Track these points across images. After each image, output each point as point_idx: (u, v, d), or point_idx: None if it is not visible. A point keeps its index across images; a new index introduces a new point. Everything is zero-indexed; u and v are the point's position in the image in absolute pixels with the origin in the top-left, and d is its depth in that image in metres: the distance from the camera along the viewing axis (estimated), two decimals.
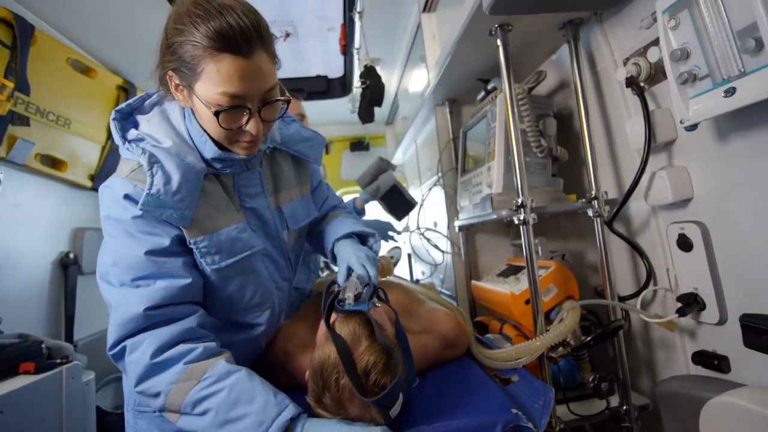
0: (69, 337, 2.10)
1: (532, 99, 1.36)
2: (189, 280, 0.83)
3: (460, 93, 1.81)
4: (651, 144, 1.05)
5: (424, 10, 1.81)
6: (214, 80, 0.74)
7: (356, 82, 2.64)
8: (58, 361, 1.56)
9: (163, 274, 0.81)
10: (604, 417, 1.18)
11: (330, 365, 0.77)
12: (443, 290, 2.01)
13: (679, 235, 1.06)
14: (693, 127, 0.89)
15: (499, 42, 1.22)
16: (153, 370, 0.77)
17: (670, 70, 0.89)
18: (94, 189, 2.30)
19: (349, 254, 1.00)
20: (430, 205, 2.09)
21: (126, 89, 2.40)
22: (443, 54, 1.50)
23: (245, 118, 0.80)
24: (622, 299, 1.23)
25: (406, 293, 1.26)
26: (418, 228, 1.96)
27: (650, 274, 1.19)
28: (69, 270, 2.14)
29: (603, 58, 1.26)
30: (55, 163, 2.02)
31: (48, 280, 2.05)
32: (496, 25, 1.21)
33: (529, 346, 1.05)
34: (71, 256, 2.16)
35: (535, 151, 1.34)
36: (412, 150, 2.78)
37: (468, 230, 1.82)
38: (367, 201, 1.88)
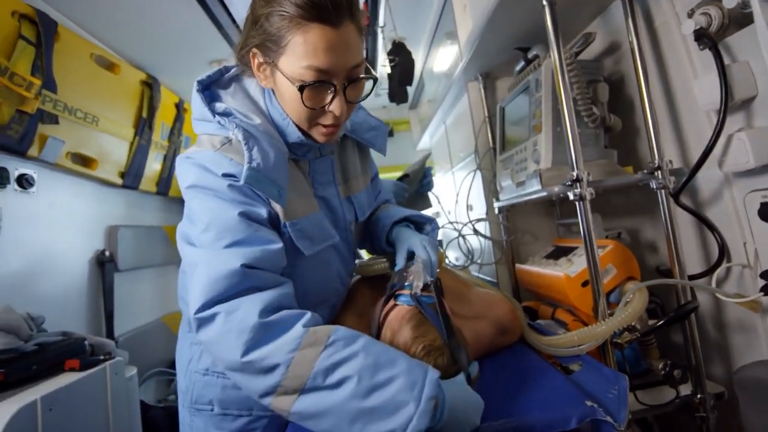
0: (110, 334, 2.14)
1: (580, 64, 1.25)
2: (280, 245, 0.75)
3: (495, 66, 1.70)
4: (728, 103, 0.93)
5: None
6: (299, 52, 0.70)
7: (380, 63, 2.54)
8: (102, 357, 1.57)
9: (258, 240, 0.73)
10: (675, 406, 1.08)
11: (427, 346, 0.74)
12: (482, 275, 1.93)
13: (762, 204, 0.94)
14: None
15: (544, 2, 1.11)
16: (265, 332, 0.65)
17: (759, 11, 0.77)
18: (125, 186, 2.32)
19: (410, 238, 0.95)
20: (464, 188, 2.00)
21: (150, 84, 2.39)
22: (478, 24, 1.39)
23: (329, 96, 0.76)
24: (691, 278, 1.12)
25: (454, 278, 1.19)
26: (450, 217, 1.86)
27: (723, 249, 1.07)
28: (105, 267, 2.16)
29: (662, 12, 1.14)
30: (85, 161, 2.03)
31: (86, 278, 2.08)
32: None
33: (593, 331, 0.97)
34: (107, 253, 2.18)
35: (586, 120, 1.23)
36: (440, 132, 2.68)
37: (509, 212, 1.73)
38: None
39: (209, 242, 0.72)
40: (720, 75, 0.93)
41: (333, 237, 0.90)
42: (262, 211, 0.76)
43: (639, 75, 1.13)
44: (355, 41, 0.75)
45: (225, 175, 0.75)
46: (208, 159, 0.77)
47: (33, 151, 1.65)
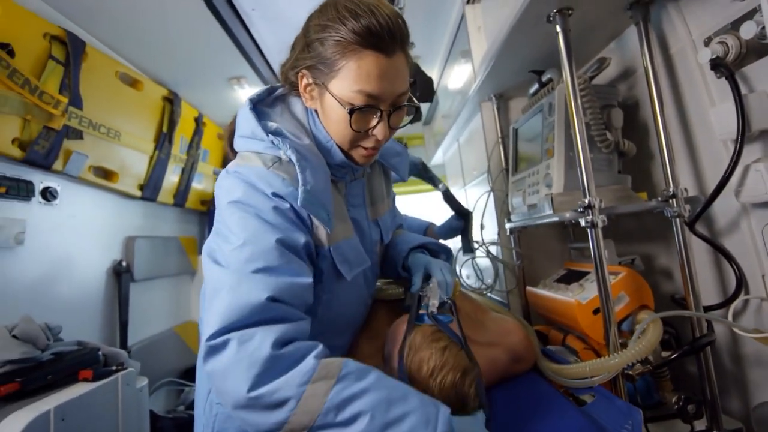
0: (123, 343, 2.17)
1: (594, 88, 1.25)
2: (310, 281, 0.74)
3: (509, 87, 1.70)
4: (745, 133, 0.92)
5: (468, 2, 1.72)
6: (353, 77, 0.73)
7: None
8: (114, 368, 1.59)
9: (289, 271, 0.71)
10: None
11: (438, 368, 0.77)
12: (493, 296, 1.91)
13: None
14: None
15: (558, 28, 1.12)
16: (276, 364, 0.62)
17: None
18: (144, 198, 2.37)
19: (427, 261, 0.97)
20: (477, 206, 1.99)
21: (171, 100, 2.46)
22: (492, 46, 1.41)
23: (375, 121, 0.78)
24: (707, 310, 1.10)
25: (470, 301, 1.19)
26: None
27: (741, 281, 1.04)
28: (122, 277, 2.21)
29: (678, 39, 1.13)
30: (107, 174, 2.09)
31: (103, 288, 2.13)
32: (555, 10, 1.11)
33: (606, 363, 0.95)
34: (123, 264, 2.23)
35: (600, 146, 1.22)
36: (453, 149, 2.68)
37: (520, 233, 1.71)
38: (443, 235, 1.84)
39: (239, 263, 0.69)
40: (737, 105, 0.92)
41: (367, 261, 0.91)
42: (300, 240, 0.75)
43: (654, 101, 1.12)
44: (404, 70, 0.78)
45: (275, 195, 0.74)
46: (259, 176, 0.76)
47: (58, 165, 1.71)
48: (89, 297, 2.04)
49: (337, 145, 0.83)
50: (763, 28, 0.85)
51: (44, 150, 1.62)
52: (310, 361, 0.63)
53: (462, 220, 1.77)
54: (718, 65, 0.96)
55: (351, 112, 0.75)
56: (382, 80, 0.73)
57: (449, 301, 0.89)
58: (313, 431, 0.60)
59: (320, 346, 0.68)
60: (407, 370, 0.79)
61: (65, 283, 1.88)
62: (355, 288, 0.92)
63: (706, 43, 1.03)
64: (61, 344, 1.60)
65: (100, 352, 1.61)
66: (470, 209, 1.80)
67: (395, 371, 0.80)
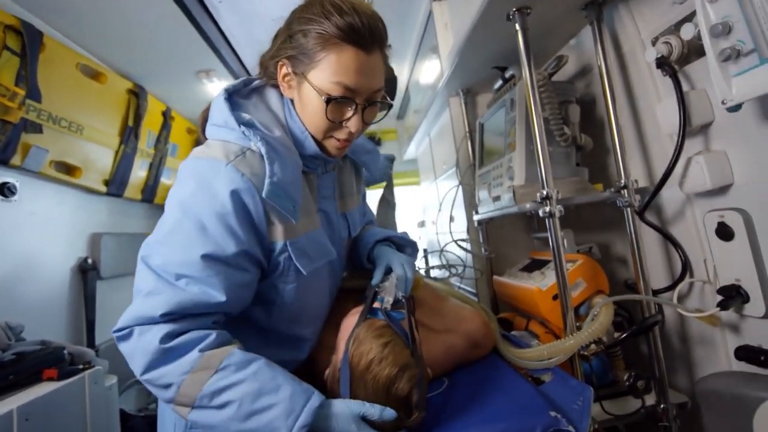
0: (91, 342, 2.12)
1: (554, 85, 1.30)
2: (222, 299, 0.75)
3: (475, 82, 1.75)
4: (686, 128, 0.99)
5: None
6: (332, 69, 0.76)
7: None
8: (81, 366, 1.56)
9: (205, 284, 0.74)
10: (640, 416, 1.13)
11: (376, 361, 0.75)
12: (463, 286, 1.97)
13: (719, 223, 0.99)
14: (736, 108, 0.83)
15: (517, 26, 1.16)
16: (163, 357, 0.70)
17: (710, 46, 0.82)
18: (109, 194, 2.31)
19: (389, 255, 0.99)
20: (447, 199, 2.04)
21: (136, 93, 2.40)
22: (457, 42, 1.44)
23: (349, 113, 0.81)
24: (656, 293, 1.17)
25: (429, 290, 1.22)
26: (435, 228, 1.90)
27: (686, 265, 1.12)
28: (88, 275, 2.15)
29: (629, 38, 1.19)
30: (69, 169, 2.03)
31: (68, 286, 2.07)
32: (514, 9, 1.15)
33: (562, 345, 1.00)
34: (89, 261, 2.17)
35: (558, 140, 1.28)
36: (425, 144, 2.73)
37: (487, 224, 1.77)
38: None
39: (158, 269, 0.74)
40: (678, 101, 0.99)
41: (331, 253, 0.92)
42: (232, 249, 0.75)
43: (607, 97, 1.18)
44: (380, 69, 0.82)
45: (232, 194, 0.75)
46: (215, 172, 0.76)
47: (16, 160, 1.65)
48: (53, 296, 1.99)
49: (311, 136, 0.85)
50: (699, 29, 0.91)
51: (0, 144, 1.56)
52: (194, 353, 0.71)
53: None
54: (662, 64, 1.03)
55: (327, 101, 0.78)
56: (359, 74, 0.77)
57: (403, 299, 0.88)
58: (195, 408, 0.71)
59: (212, 336, 0.73)
60: (350, 363, 0.78)
61: (27, 282, 1.82)
62: (319, 280, 0.92)
63: (653, 43, 1.10)
64: (23, 344, 1.55)
65: (65, 351, 1.57)
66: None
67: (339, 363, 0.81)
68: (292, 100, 0.87)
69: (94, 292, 2.17)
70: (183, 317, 0.73)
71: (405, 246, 1.12)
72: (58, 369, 1.47)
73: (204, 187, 0.76)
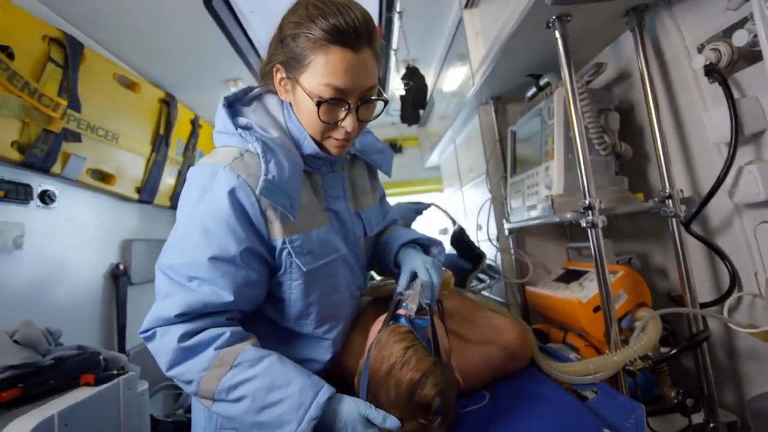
0: (122, 347, 2.15)
1: (592, 92, 1.28)
2: (230, 299, 0.79)
3: (507, 90, 1.74)
4: (738, 136, 0.96)
5: (466, 6, 1.75)
6: (321, 71, 0.77)
7: (391, 84, 2.59)
8: (115, 372, 1.59)
9: (214, 284, 0.79)
10: None
11: (397, 366, 0.76)
12: (492, 296, 1.94)
13: None
14: None
15: (557, 34, 1.15)
16: (183, 355, 0.76)
17: None
18: (141, 201, 2.36)
19: (414, 259, 0.98)
20: (473, 207, 2.02)
21: (167, 102, 2.45)
22: (491, 50, 1.43)
23: (343, 113, 0.83)
24: (703, 306, 1.13)
25: (463, 300, 1.21)
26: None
27: (734, 278, 1.08)
28: (119, 281, 2.19)
29: (672, 45, 1.17)
30: (104, 176, 2.07)
31: (100, 291, 2.11)
32: (554, 17, 1.14)
33: (609, 359, 0.98)
34: (121, 267, 2.21)
35: (597, 148, 1.25)
36: (450, 151, 2.71)
37: (518, 233, 1.74)
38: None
39: (171, 272, 0.80)
40: (730, 109, 0.96)
41: (338, 250, 0.93)
42: (234, 248, 0.79)
43: (650, 105, 1.16)
44: (371, 66, 0.82)
45: (230, 194, 0.79)
46: (215, 175, 0.80)
47: (56, 168, 1.70)
48: (87, 301, 2.03)
49: (310, 136, 0.88)
50: (755, 36, 0.88)
51: (43, 153, 1.60)
52: (210, 351, 0.76)
53: (470, 263, 1.66)
54: (711, 71, 1.00)
55: (318, 104, 0.79)
56: (348, 74, 0.78)
57: (427, 306, 0.86)
58: (215, 401, 0.76)
59: (225, 335, 0.77)
60: (370, 371, 0.78)
61: (63, 287, 1.87)
62: (329, 278, 0.92)
63: (700, 50, 1.07)
64: (61, 349, 1.59)
65: (100, 356, 1.60)
66: (481, 251, 1.70)
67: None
68: (290, 103, 0.89)
69: (125, 297, 2.21)
70: (197, 317, 0.78)
71: (431, 246, 1.10)
72: (94, 374, 1.49)
73: (206, 192, 0.80)
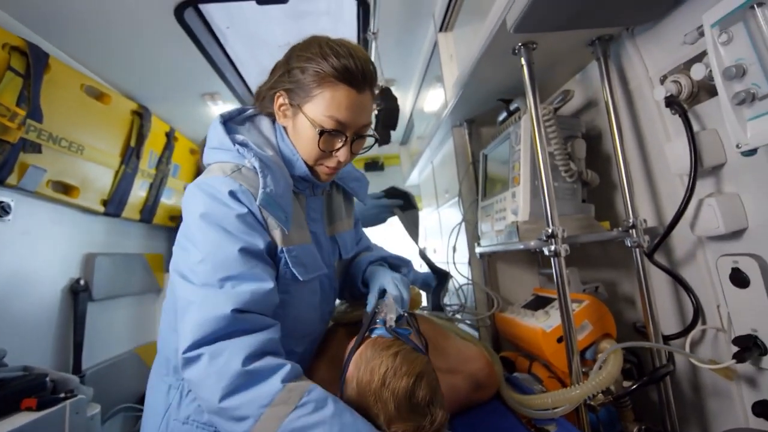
0: (77, 366, 2.05)
1: (559, 119, 1.28)
2: (272, 285, 0.80)
3: (479, 114, 1.74)
4: (697, 169, 0.95)
5: (440, 30, 1.76)
6: (326, 104, 0.85)
7: None
8: (62, 395, 1.50)
9: (252, 277, 0.78)
10: None
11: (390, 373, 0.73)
12: (466, 318, 1.90)
13: (733, 269, 0.94)
14: (752, 152, 0.79)
15: (523, 61, 1.15)
16: (246, 381, 0.68)
17: (723, 89, 0.79)
18: (107, 214, 2.28)
19: (383, 276, 1.01)
20: (447, 229, 2.00)
21: (140, 114, 2.40)
22: (462, 74, 1.43)
23: (339, 144, 0.90)
24: (666, 339, 1.11)
25: (432, 326, 1.17)
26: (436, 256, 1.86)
27: (698, 311, 1.07)
28: (79, 297, 2.10)
29: (636, 75, 1.17)
30: (67, 188, 2.00)
31: (57, 308, 2.02)
32: (520, 44, 1.14)
33: (567, 394, 0.94)
34: (81, 282, 2.12)
35: (564, 175, 1.25)
36: (428, 171, 2.70)
37: (490, 257, 1.72)
38: None
39: (204, 276, 0.76)
40: (689, 141, 0.96)
41: (323, 268, 0.98)
42: (261, 244, 0.82)
43: (614, 134, 1.16)
44: (369, 106, 0.91)
45: (232, 196, 0.81)
46: (218, 183, 0.83)
47: (12, 179, 1.63)
48: (41, 318, 1.93)
49: (302, 160, 0.93)
50: (711, 70, 0.88)
51: None
52: (276, 384, 0.68)
53: (436, 280, 1.67)
54: (672, 102, 1.00)
55: (321, 133, 0.87)
56: (350, 111, 0.86)
57: (406, 315, 0.89)
58: None
59: (289, 366, 0.71)
60: (358, 390, 0.75)
61: (14, 303, 1.77)
62: (311, 294, 0.97)
63: (662, 81, 1.07)
64: (4, 370, 1.50)
65: (47, 378, 1.51)
66: (446, 270, 1.72)
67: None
68: (285, 127, 0.95)
69: (84, 314, 2.11)
70: (248, 312, 0.75)
71: (400, 266, 1.16)
72: (37, 398, 1.40)
73: (214, 199, 0.82)
